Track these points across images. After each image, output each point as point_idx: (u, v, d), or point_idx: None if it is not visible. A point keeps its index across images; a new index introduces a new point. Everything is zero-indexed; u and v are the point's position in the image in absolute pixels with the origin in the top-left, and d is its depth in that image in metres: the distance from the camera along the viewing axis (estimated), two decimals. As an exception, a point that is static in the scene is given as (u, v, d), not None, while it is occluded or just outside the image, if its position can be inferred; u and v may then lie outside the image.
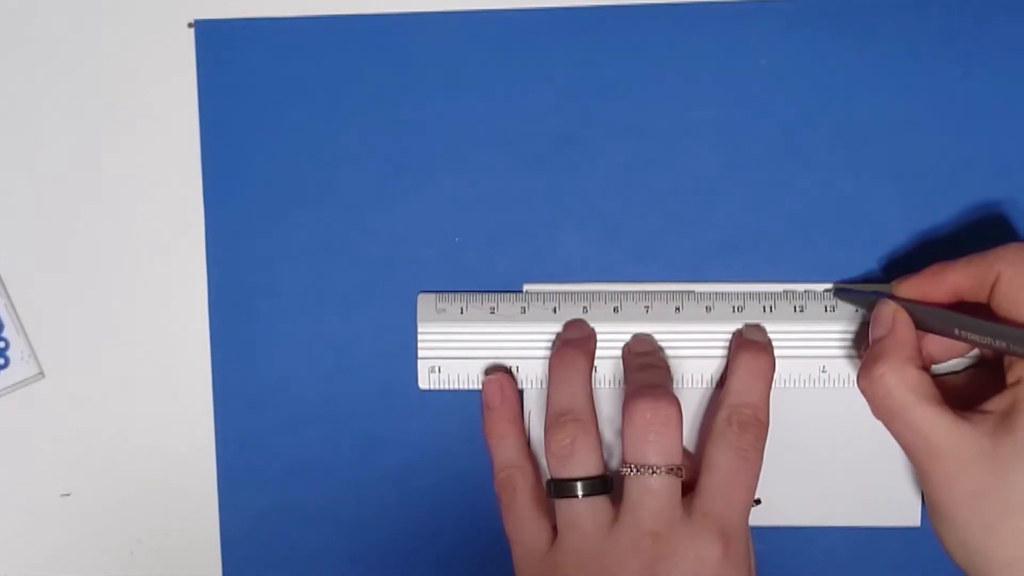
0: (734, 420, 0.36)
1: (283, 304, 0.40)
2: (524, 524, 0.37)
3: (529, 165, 0.40)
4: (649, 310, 0.39)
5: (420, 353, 0.39)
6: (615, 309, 0.39)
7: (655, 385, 0.36)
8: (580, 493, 0.35)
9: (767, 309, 0.39)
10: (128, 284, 0.41)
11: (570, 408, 0.36)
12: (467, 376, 0.39)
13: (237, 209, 0.40)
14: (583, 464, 0.36)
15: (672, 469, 0.35)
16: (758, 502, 0.38)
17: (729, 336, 0.39)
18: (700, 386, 0.39)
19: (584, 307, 0.39)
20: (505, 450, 0.38)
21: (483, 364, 0.39)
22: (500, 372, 0.39)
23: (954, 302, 0.35)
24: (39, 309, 0.41)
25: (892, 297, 0.36)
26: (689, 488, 0.36)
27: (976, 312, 0.35)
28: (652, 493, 0.35)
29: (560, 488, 0.36)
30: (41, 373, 0.41)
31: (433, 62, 0.40)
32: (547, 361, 0.38)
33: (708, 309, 0.39)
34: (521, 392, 0.39)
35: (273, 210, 0.40)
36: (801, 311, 0.39)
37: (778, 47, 0.39)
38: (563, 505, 0.36)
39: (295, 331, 0.40)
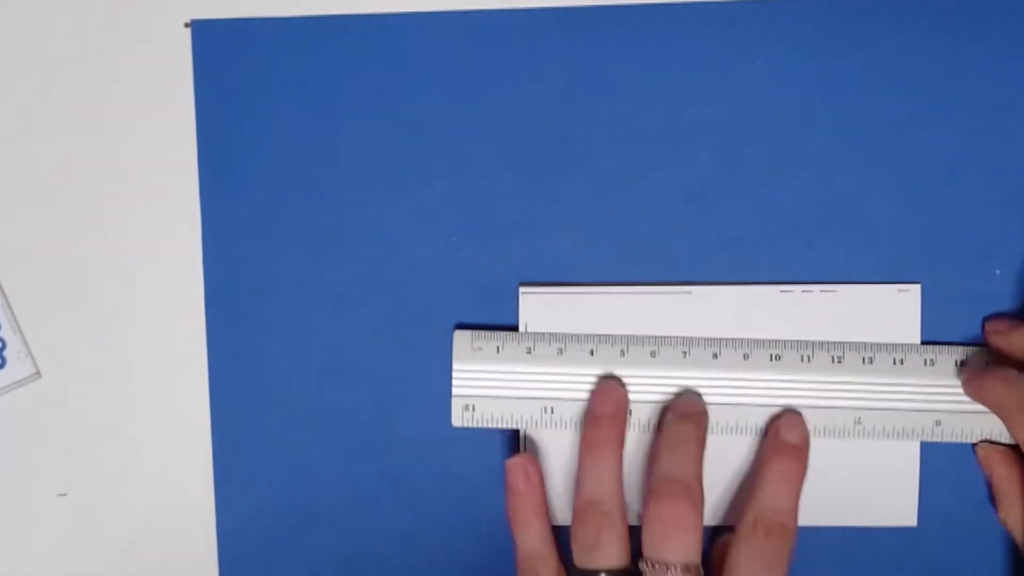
0: (760, 525, 0.36)
1: (279, 304, 0.40)
2: None
3: (525, 165, 0.40)
4: (687, 355, 0.39)
5: (455, 391, 0.39)
6: (652, 354, 0.39)
7: (678, 479, 0.36)
8: None
9: (804, 359, 0.39)
10: (125, 284, 0.41)
11: (598, 500, 0.36)
12: (501, 415, 0.39)
13: (233, 209, 0.40)
14: (608, 557, 0.36)
15: (689, 569, 0.35)
16: None
17: (765, 385, 0.39)
18: (734, 435, 0.39)
19: (621, 351, 0.39)
20: (529, 540, 0.38)
21: (518, 404, 0.39)
22: (524, 456, 0.38)
23: None
24: (36, 309, 0.41)
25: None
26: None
27: None
28: None
29: None
30: (38, 373, 0.41)
31: (429, 62, 0.40)
32: (582, 404, 0.39)
33: (745, 357, 0.39)
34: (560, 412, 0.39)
35: (269, 210, 0.40)
36: (839, 361, 0.38)
37: (775, 48, 0.39)
38: None
39: (291, 331, 0.40)
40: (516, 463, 0.38)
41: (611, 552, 0.36)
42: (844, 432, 0.38)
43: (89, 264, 0.41)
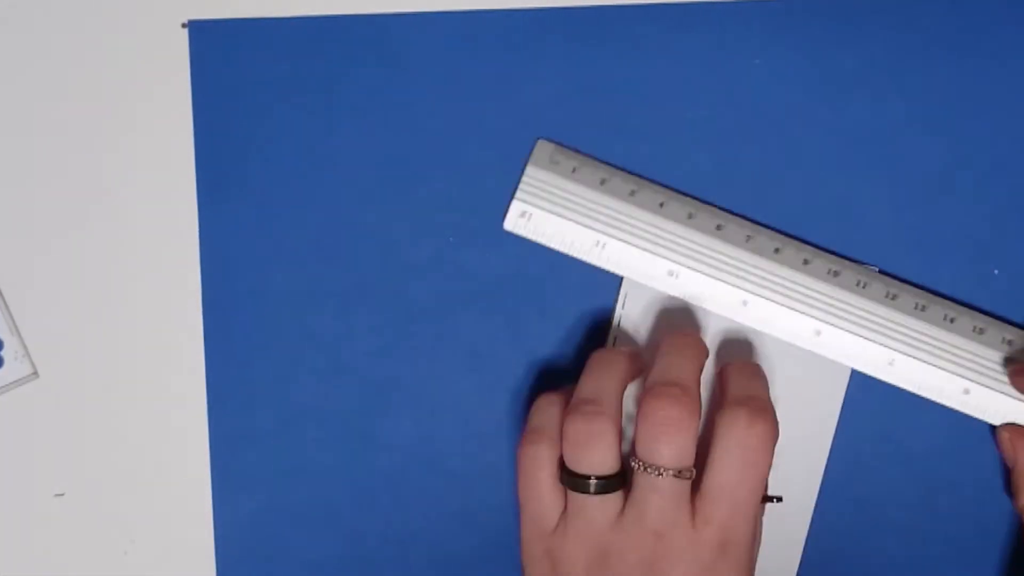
0: (743, 411, 0.35)
1: (277, 304, 0.40)
2: (538, 493, 0.36)
3: (522, 165, 0.40)
4: (750, 239, 0.38)
5: (518, 194, 0.39)
6: (718, 227, 0.38)
7: (675, 381, 0.35)
8: (592, 491, 0.35)
9: (860, 284, 0.38)
10: (122, 284, 0.41)
11: (596, 399, 0.35)
12: (553, 233, 0.39)
13: (231, 209, 0.40)
14: (599, 461, 0.35)
15: (681, 472, 0.34)
16: (780, 500, 0.38)
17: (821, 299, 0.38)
18: (790, 340, 0.38)
19: (689, 213, 0.38)
20: (547, 418, 0.37)
21: (573, 228, 0.39)
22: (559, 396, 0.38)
23: None
24: (33, 309, 0.41)
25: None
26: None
27: None
28: (658, 493, 0.34)
29: (575, 482, 0.35)
30: (35, 373, 0.41)
31: (425, 62, 0.40)
32: (632, 248, 0.38)
33: (805, 262, 0.38)
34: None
35: (267, 211, 0.40)
36: (893, 298, 0.38)
37: (772, 47, 0.39)
38: (574, 495, 0.35)
39: (288, 332, 0.40)
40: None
41: (603, 456, 0.35)
42: (876, 369, 0.38)
43: (87, 265, 0.41)
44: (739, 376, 0.37)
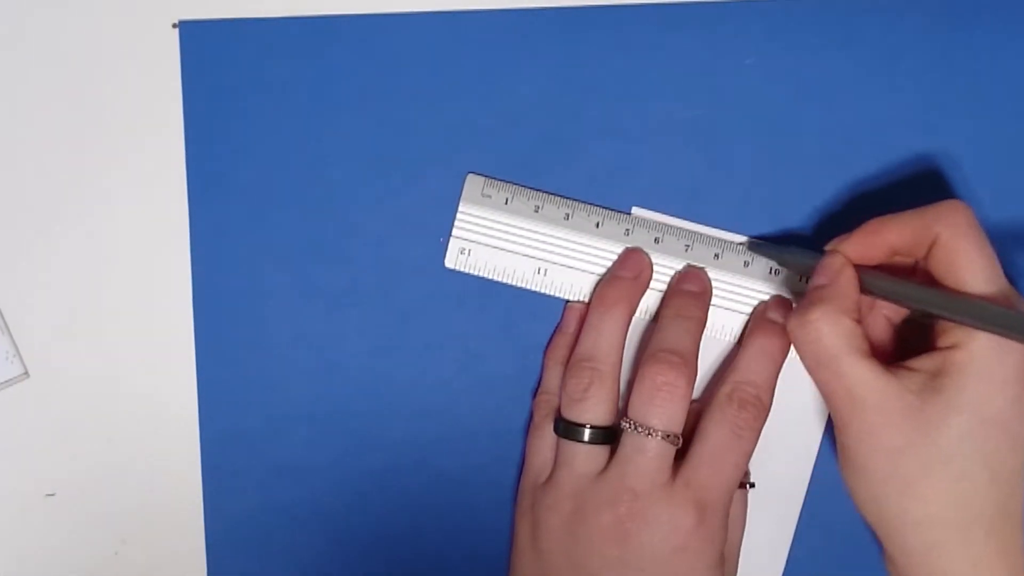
0: (735, 396, 0.36)
1: (268, 304, 0.40)
2: (541, 447, 0.38)
3: (513, 165, 0.40)
4: (688, 249, 0.39)
5: (455, 232, 0.39)
6: (656, 240, 0.39)
7: (676, 351, 0.36)
8: (585, 439, 0.36)
9: (803, 279, 0.39)
10: (113, 284, 0.41)
11: (594, 356, 0.37)
12: (494, 267, 0.39)
13: (222, 209, 0.40)
14: (593, 413, 0.36)
15: (669, 436, 0.35)
16: (752, 486, 0.39)
17: (760, 298, 0.39)
18: (723, 338, 0.39)
19: (626, 229, 0.39)
20: (555, 377, 0.39)
21: (514, 259, 0.39)
22: (583, 305, 0.39)
23: (888, 259, 0.35)
24: (24, 309, 0.41)
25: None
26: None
27: (910, 270, 0.35)
28: (644, 453, 0.35)
29: (568, 430, 0.37)
30: (26, 373, 0.41)
31: (417, 62, 0.40)
32: (574, 273, 0.39)
33: (746, 264, 0.39)
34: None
35: (258, 210, 0.40)
36: None
37: (763, 47, 0.39)
38: (565, 443, 0.37)
39: (280, 331, 0.40)
40: (574, 308, 0.39)
41: (598, 408, 0.36)
42: None
43: (77, 265, 0.41)
44: (749, 357, 0.37)
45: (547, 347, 0.40)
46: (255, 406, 0.41)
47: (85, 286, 0.41)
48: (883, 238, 0.34)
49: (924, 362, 0.33)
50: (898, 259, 0.35)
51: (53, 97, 0.40)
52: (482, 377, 0.40)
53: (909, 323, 0.37)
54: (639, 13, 0.39)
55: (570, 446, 0.37)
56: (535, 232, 0.39)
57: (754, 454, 0.36)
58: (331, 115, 0.40)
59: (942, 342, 0.34)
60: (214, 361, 0.41)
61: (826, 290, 0.34)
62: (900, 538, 0.34)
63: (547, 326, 0.40)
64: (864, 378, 0.33)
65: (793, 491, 0.40)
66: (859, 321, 0.34)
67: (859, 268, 0.35)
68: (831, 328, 0.33)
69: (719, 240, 0.39)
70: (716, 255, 0.39)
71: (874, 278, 0.34)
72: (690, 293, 0.38)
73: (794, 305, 0.38)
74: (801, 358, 0.35)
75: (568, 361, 0.38)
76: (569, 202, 0.39)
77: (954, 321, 0.33)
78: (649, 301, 0.39)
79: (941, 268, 0.33)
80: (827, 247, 0.36)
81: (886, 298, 0.34)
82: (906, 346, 0.36)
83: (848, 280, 0.34)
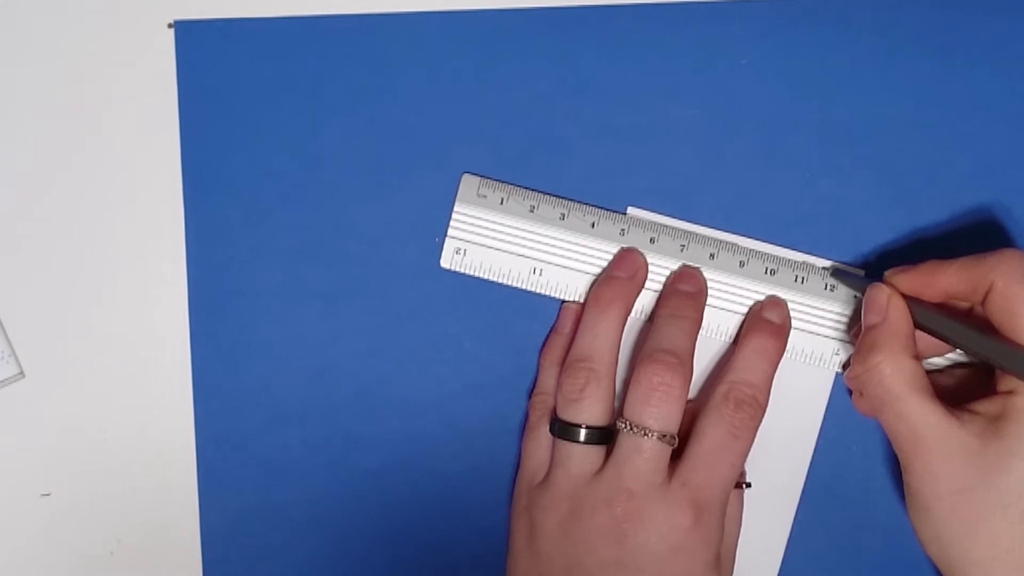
0: (731, 396, 0.36)
1: (263, 304, 0.40)
2: (537, 447, 0.38)
3: (508, 164, 0.40)
4: (684, 249, 0.39)
5: (450, 232, 0.39)
6: (651, 240, 0.39)
7: (671, 351, 0.36)
8: (581, 439, 0.36)
9: (799, 280, 0.39)
10: (109, 284, 0.41)
11: (590, 356, 0.37)
12: (489, 267, 0.39)
13: (217, 209, 0.40)
14: (589, 413, 0.36)
15: (665, 436, 0.36)
16: (748, 486, 0.39)
17: (755, 299, 0.39)
18: (719, 338, 0.39)
19: (622, 230, 0.39)
20: (550, 377, 0.39)
21: (509, 259, 0.39)
22: (579, 305, 0.39)
23: (944, 301, 0.35)
24: (20, 309, 0.41)
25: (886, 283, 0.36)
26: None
27: (966, 313, 0.35)
28: (640, 454, 0.35)
29: (564, 430, 0.37)
30: (21, 373, 0.41)
31: (412, 62, 0.40)
32: (570, 273, 0.39)
33: (742, 264, 0.39)
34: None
35: (253, 210, 0.40)
36: (832, 290, 0.38)
37: (759, 47, 0.39)
38: (561, 444, 0.37)
39: (275, 331, 0.40)
40: (571, 307, 0.39)
41: (593, 408, 0.36)
42: (822, 361, 0.39)
43: (73, 265, 0.41)
44: (745, 357, 0.37)
45: (543, 347, 0.40)
46: (250, 406, 0.41)
47: (80, 286, 0.41)
48: (939, 281, 0.35)
49: (985, 406, 0.34)
50: (954, 302, 0.36)
51: (48, 97, 0.40)
52: (477, 377, 0.40)
53: (972, 366, 0.38)
54: (634, 13, 0.39)
55: (566, 446, 0.37)
56: (530, 232, 0.39)
57: (750, 454, 0.37)
58: (326, 115, 0.40)
59: (1002, 386, 0.34)
60: (209, 361, 0.41)
61: (881, 329, 0.35)
62: None
63: (543, 326, 0.40)
64: (927, 420, 0.33)
65: (789, 491, 0.40)
66: (917, 357, 0.34)
67: (912, 301, 0.35)
68: (892, 368, 0.34)
69: (715, 240, 0.39)
70: (712, 255, 0.39)
71: (928, 313, 0.35)
72: (686, 293, 0.38)
73: (792, 305, 0.38)
74: (863, 402, 0.35)
75: (564, 361, 0.38)
76: (565, 202, 0.39)
77: (1008, 372, 0.33)
78: (645, 301, 0.39)
79: (998, 315, 0.34)
80: (884, 275, 0.36)
81: (939, 336, 0.35)
82: (970, 391, 0.36)
83: (899, 314, 0.35)
